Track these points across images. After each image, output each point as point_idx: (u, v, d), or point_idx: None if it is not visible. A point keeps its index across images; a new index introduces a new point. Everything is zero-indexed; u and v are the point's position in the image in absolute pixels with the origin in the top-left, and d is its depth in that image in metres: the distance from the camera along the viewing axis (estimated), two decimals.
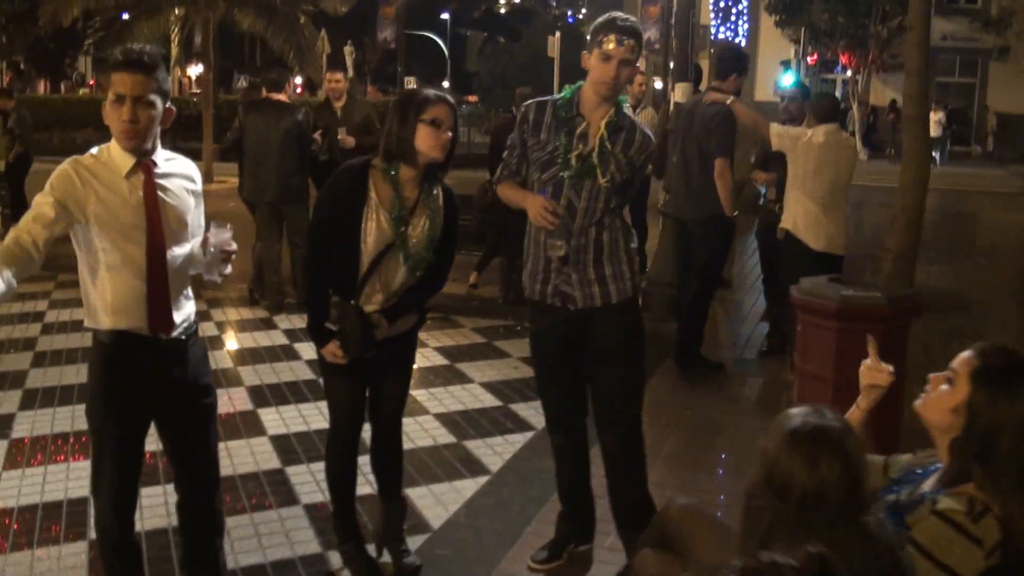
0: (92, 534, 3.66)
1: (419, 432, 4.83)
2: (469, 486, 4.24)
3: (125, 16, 15.98)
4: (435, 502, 4.04)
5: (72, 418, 4.94)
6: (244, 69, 23.86)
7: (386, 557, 3.47)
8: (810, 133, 5.42)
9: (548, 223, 3.02)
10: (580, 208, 3.11)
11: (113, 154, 2.64)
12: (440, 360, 6.15)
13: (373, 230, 3.03)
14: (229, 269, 2.80)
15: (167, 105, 2.65)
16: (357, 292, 3.10)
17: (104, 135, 2.63)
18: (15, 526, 3.82)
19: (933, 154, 8.11)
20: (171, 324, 2.72)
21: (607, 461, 3.34)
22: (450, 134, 3.00)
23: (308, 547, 3.65)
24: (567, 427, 3.42)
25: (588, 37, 3.10)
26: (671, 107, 6.85)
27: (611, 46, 3.00)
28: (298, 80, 26.80)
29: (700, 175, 5.73)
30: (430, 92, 3.04)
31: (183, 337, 2.78)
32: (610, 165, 3.11)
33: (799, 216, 5.52)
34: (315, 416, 5.06)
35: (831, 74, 29.68)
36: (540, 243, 3.19)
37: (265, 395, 5.43)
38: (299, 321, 7.04)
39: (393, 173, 3.04)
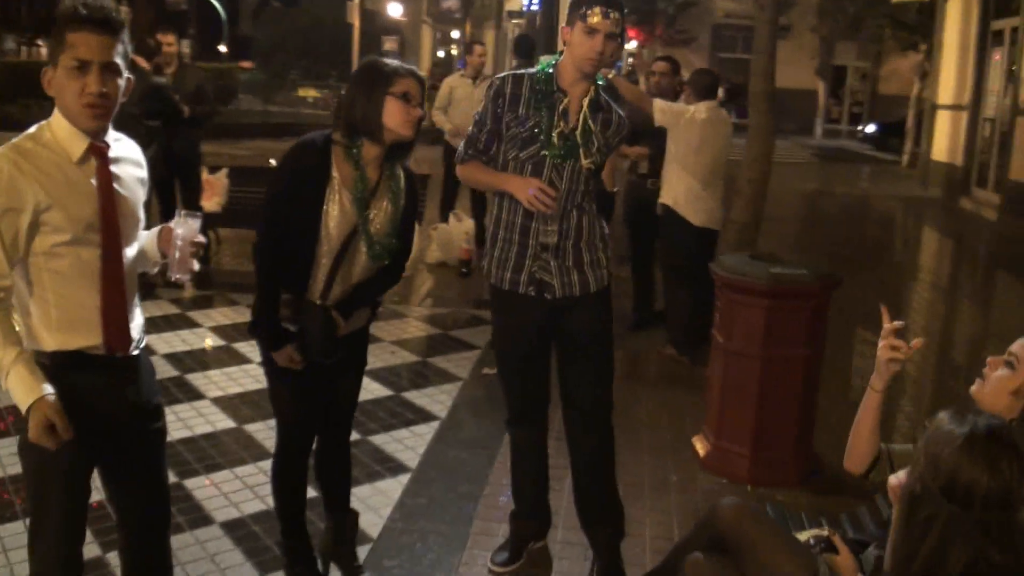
0: None
1: None
2: (392, 486, 3.97)
3: None
4: (363, 507, 3.72)
5: None
6: (12, 28, 21.41)
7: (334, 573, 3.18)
8: (692, 109, 5.46)
9: (546, 207, 2.81)
10: (563, 190, 2.92)
11: (59, 135, 2.15)
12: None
13: (335, 213, 2.69)
14: (198, 266, 2.36)
15: (128, 75, 2.20)
16: (314, 285, 2.76)
17: None
18: None
19: None
20: (129, 339, 2.28)
21: (579, 458, 3.19)
22: (420, 110, 2.71)
23: (242, 573, 3.26)
24: (532, 421, 3.24)
25: (568, 9, 2.90)
26: None
27: (596, 19, 2.80)
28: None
29: None
30: (397, 63, 2.72)
31: (136, 352, 2.35)
32: (593, 145, 2.94)
33: (680, 192, 5.57)
34: (196, 420, 4.58)
35: None
36: (515, 227, 2.97)
37: None
38: None
39: (355, 151, 2.71)
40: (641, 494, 3.94)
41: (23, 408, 2.07)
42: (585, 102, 2.92)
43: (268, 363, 2.83)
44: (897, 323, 2.26)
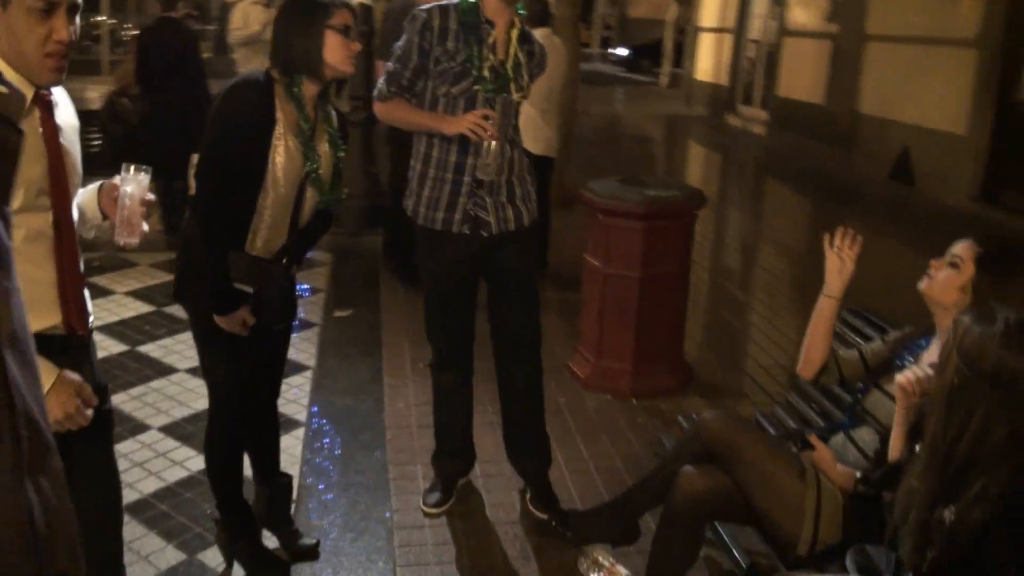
0: None
1: (192, 396, 4.20)
2: (290, 443, 3.79)
3: None
4: None
5: None
6: None
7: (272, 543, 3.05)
8: None
9: (489, 137, 2.75)
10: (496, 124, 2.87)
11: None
12: (147, 307, 5.35)
13: (282, 159, 2.48)
14: (147, 227, 2.10)
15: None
16: (254, 238, 2.55)
17: None
18: None
19: None
20: (87, 315, 2.04)
21: (511, 394, 3.22)
22: (359, 44, 2.56)
23: (166, 556, 3.03)
24: (459, 363, 3.22)
25: None
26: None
27: None
28: None
29: None
30: None
31: (91, 330, 2.11)
32: (523, 78, 2.91)
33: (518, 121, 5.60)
34: None
35: None
36: (448, 165, 2.89)
37: None
38: None
39: (296, 89, 2.51)
40: None
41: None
42: (514, 34, 2.88)
43: (204, 328, 2.60)
44: (845, 230, 2.46)
